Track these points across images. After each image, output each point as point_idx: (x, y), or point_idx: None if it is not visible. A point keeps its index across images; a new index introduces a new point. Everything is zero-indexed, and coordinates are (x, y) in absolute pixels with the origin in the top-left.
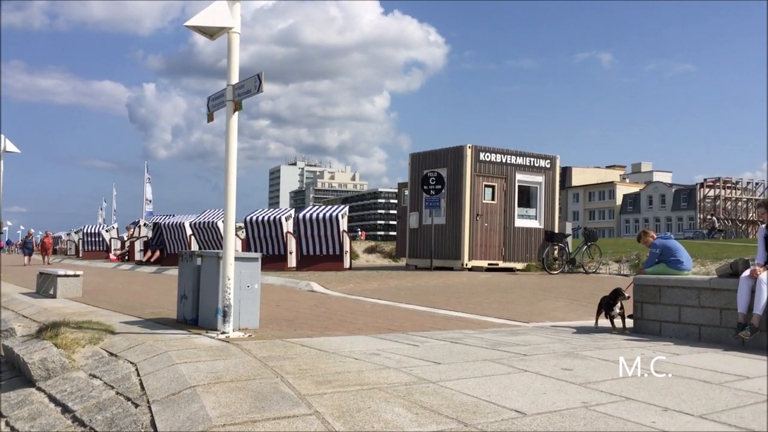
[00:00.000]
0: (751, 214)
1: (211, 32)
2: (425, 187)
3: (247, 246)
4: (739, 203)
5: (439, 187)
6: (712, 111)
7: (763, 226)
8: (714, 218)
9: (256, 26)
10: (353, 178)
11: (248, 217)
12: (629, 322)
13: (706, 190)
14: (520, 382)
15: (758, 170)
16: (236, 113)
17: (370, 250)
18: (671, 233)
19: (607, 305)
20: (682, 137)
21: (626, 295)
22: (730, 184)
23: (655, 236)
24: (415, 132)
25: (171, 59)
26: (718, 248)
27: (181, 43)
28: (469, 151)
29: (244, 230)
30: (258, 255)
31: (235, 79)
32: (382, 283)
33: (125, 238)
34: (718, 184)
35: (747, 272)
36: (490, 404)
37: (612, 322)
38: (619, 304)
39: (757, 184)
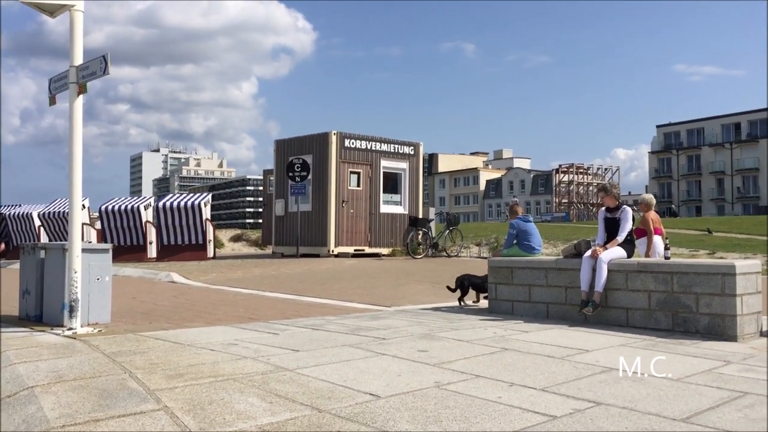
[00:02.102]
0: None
1: (50, 9)
2: (291, 174)
3: (102, 237)
4: (590, 187)
5: (304, 173)
6: (566, 101)
7: (603, 209)
8: (515, 198)
9: (113, 5)
10: (220, 165)
11: (103, 207)
12: (484, 303)
13: (561, 175)
14: (377, 365)
15: (608, 157)
16: (81, 96)
17: (235, 239)
18: (530, 216)
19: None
20: (539, 125)
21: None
22: (582, 170)
23: (521, 213)
24: (284, 118)
25: (18, 38)
26: (570, 230)
27: (28, 22)
28: (334, 138)
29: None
30: (108, 246)
31: (78, 60)
32: (247, 271)
33: None
34: (571, 169)
35: (588, 252)
36: (345, 389)
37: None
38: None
39: (606, 169)
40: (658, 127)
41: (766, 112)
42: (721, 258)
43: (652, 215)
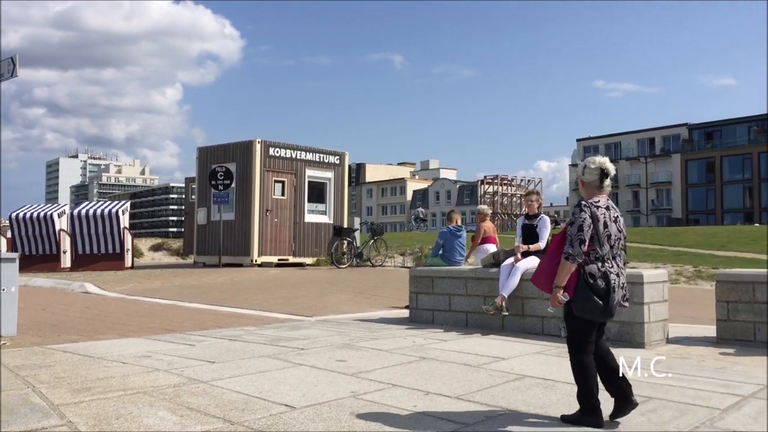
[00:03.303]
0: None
1: None
2: (213, 182)
3: (12, 246)
4: (514, 198)
5: (227, 182)
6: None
7: (522, 216)
8: (420, 209)
9: (32, 7)
10: (143, 173)
11: (14, 214)
12: (405, 312)
13: (486, 186)
14: (294, 376)
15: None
16: None
17: (156, 248)
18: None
19: None
20: (466, 137)
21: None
22: (506, 181)
23: (459, 222)
24: (210, 126)
25: None
26: None
27: None
28: (258, 146)
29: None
30: (15, 255)
31: None
32: (166, 281)
33: None
34: (496, 181)
35: (510, 260)
36: (260, 400)
37: None
38: None
39: (529, 181)
40: (578, 140)
41: (679, 128)
42: (634, 267)
43: (487, 225)
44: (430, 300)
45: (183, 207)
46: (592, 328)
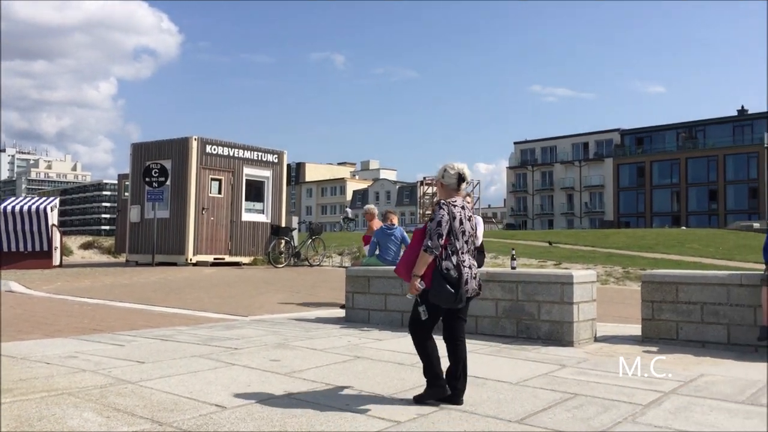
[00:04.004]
0: None
1: None
2: (147, 180)
3: None
4: None
5: (162, 179)
6: (432, 115)
7: None
8: (348, 210)
9: None
10: (74, 168)
11: None
12: (341, 312)
13: (426, 187)
14: (226, 376)
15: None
16: None
17: (86, 246)
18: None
19: None
20: (406, 138)
21: None
22: None
23: (395, 221)
24: (146, 122)
25: None
26: None
27: None
28: (194, 143)
29: None
30: None
31: None
32: (96, 280)
33: None
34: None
35: None
36: (190, 401)
37: None
38: None
39: (467, 183)
40: (515, 143)
41: (612, 133)
42: (566, 268)
43: (376, 224)
44: (366, 300)
45: (116, 204)
46: (438, 314)
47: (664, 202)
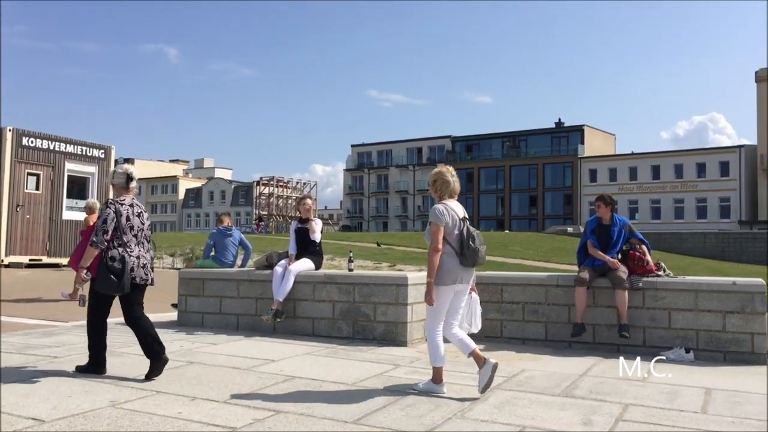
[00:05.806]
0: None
1: None
2: None
3: None
4: (290, 201)
5: None
6: (269, 116)
7: (296, 221)
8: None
9: None
10: None
11: None
12: (173, 315)
13: (262, 187)
14: (45, 387)
15: (307, 172)
16: None
17: None
18: (238, 228)
19: None
20: (242, 137)
21: None
22: (282, 183)
23: (229, 223)
24: None
25: None
26: (268, 242)
27: None
28: (9, 135)
29: None
30: None
31: None
32: None
33: None
34: (272, 182)
35: (283, 262)
36: (4, 415)
37: None
38: None
39: (305, 183)
40: (353, 146)
41: (443, 140)
42: (400, 270)
43: (94, 218)
44: (200, 303)
45: None
46: (109, 300)
47: (490, 207)
